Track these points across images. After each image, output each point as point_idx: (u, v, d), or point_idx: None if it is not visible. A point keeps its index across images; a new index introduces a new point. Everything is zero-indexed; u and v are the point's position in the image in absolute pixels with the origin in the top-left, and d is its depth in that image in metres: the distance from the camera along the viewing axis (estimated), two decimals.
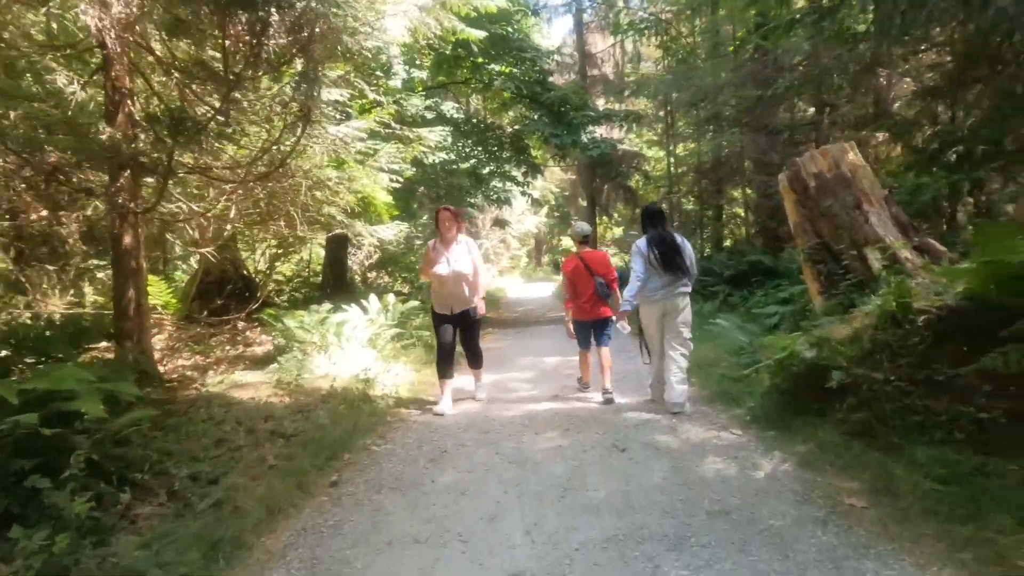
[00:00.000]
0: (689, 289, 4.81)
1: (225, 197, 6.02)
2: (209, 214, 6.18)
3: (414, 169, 9.80)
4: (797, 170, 5.87)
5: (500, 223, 23.95)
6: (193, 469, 3.56)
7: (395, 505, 3.47)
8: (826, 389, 3.84)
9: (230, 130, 5.20)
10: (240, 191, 5.92)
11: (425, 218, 13.54)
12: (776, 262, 9.42)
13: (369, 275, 14.21)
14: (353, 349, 6.67)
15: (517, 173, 13.57)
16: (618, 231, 28.75)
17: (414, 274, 17.20)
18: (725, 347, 6.53)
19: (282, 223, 7.28)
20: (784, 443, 3.99)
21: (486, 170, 12.58)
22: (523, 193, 12.77)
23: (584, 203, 30.17)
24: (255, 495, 3.35)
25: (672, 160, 22.84)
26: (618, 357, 6.63)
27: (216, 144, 5.23)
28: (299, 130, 5.13)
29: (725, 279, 9.75)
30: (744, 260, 9.95)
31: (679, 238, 4.77)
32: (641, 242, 4.76)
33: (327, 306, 7.49)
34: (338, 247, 11.73)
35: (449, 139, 10.18)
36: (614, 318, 5.27)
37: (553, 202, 37.89)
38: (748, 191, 15.73)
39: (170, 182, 5.16)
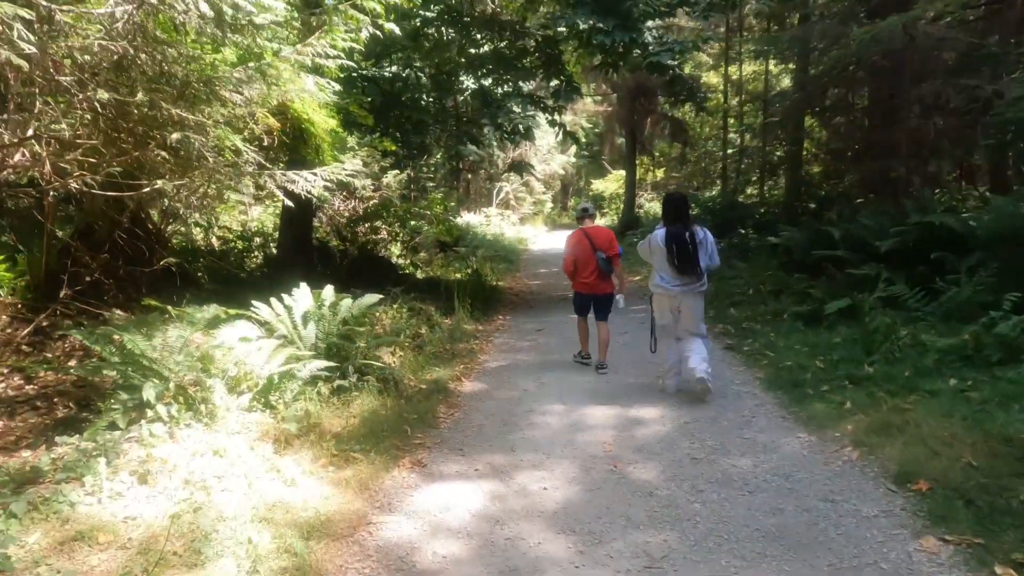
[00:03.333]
0: (706, 287, 4.70)
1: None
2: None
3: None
4: None
5: (518, 167, 20.14)
6: None
7: None
8: None
9: None
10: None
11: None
12: (968, 226, 5.84)
13: (359, 231, 10.83)
14: (229, 417, 3.44)
15: (545, 94, 9.92)
16: (659, 174, 24.82)
17: (421, 224, 13.87)
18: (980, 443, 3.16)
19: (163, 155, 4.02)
20: None
21: (501, 90, 8.97)
22: (552, 123, 9.12)
23: (621, 140, 26.27)
24: None
25: (729, 87, 18.81)
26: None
27: None
28: None
29: (880, 256, 6.15)
30: (911, 224, 6.32)
31: (700, 232, 4.59)
32: (659, 234, 4.61)
33: (212, 309, 4.24)
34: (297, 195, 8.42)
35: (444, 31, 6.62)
36: (615, 293, 5.52)
37: (584, 139, 33.81)
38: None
39: None
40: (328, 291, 5.03)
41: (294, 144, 5.68)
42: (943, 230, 6.01)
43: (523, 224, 30.04)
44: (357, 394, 4.42)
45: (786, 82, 17.66)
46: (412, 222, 12.47)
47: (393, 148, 11.91)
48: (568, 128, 30.83)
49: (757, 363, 5.24)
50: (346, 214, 11.50)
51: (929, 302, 5.47)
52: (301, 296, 4.85)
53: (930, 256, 5.89)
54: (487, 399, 4.91)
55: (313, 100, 5.07)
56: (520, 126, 8.25)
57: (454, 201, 25.26)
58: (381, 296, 5.49)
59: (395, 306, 7.06)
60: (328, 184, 5.00)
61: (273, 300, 4.70)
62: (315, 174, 4.67)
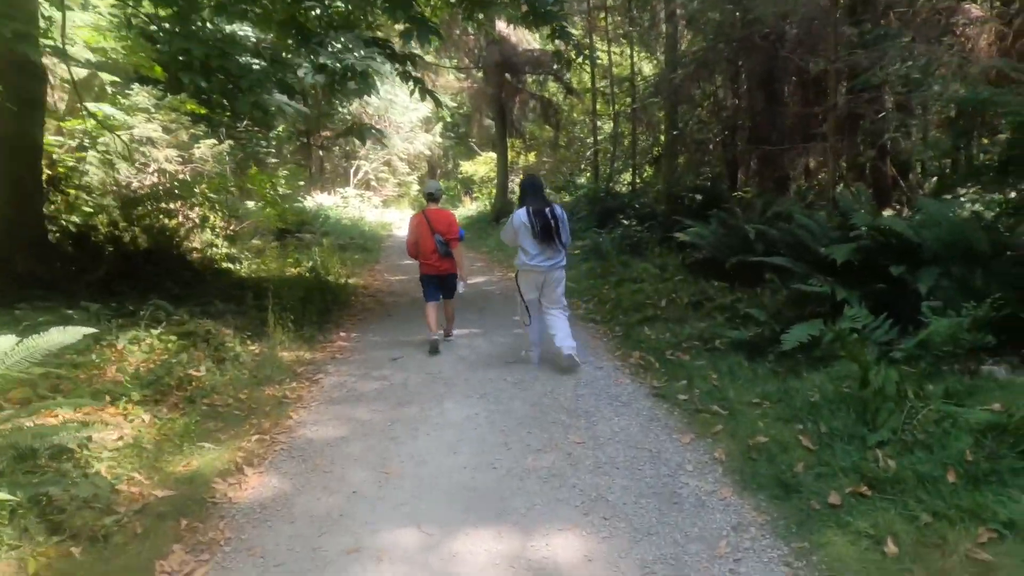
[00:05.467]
0: (565, 262, 4.93)
1: None
2: None
3: None
4: None
5: (360, 132, 17.54)
6: None
7: None
8: None
9: None
10: None
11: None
12: (921, 235, 4.64)
13: (137, 215, 7.89)
14: None
15: (392, 39, 7.70)
16: (531, 158, 23.37)
17: (246, 206, 10.98)
18: None
19: None
20: None
21: (318, 13, 6.62)
22: (405, 76, 6.95)
23: (490, 120, 24.49)
24: None
25: (597, 70, 17.82)
26: None
27: None
28: None
29: (826, 267, 4.78)
30: (869, 228, 4.97)
31: (558, 209, 4.83)
32: (521, 213, 4.77)
33: None
34: (14, 153, 5.58)
35: None
36: (459, 275, 5.55)
37: (449, 119, 31.65)
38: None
39: None
40: None
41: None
42: (892, 238, 4.81)
43: (387, 207, 27.39)
44: None
45: (649, 69, 17.00)
46: (229, 203, 9.74)
47: (201, 111, 9.15)
48: (430, 108, 28.53)
49: (707, 430, 3.60)
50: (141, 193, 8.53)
51: (899, 334, 4.18)
52: None
53: (886, 270, 4.64)
54: (277, 521, 2.80)
55: None
56: (356, 68, 5.97)
57: (303, 179, 22.11)
58: (92, 331, 3.12)
59: (157, 332, 4.64)
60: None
61: None
62: None
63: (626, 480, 3.11)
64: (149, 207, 7.86)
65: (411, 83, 6.80)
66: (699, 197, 10.87)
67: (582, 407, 4.06)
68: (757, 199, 7.78)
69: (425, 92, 6.92)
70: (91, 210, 7.44)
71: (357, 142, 26.62)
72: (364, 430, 3.78)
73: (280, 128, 18.12)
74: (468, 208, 25.05)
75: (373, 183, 28.58)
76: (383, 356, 5.42)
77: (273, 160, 18.09)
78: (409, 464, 3.33)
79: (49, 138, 6.99)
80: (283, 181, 17.86)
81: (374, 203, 25.67)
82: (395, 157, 29.59)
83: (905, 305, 4.55)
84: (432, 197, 5.75)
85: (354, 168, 27.27)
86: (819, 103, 8.77)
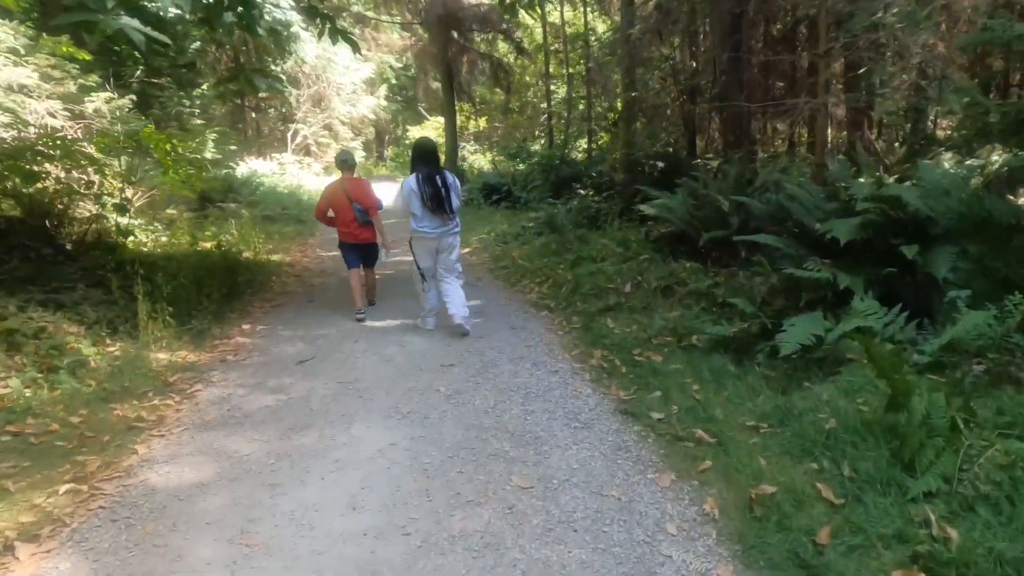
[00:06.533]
0: (459, 229, 4.92)
1: None
2: None
3: None
4: None
5: (247, 77, 16.01)
6: None
7: None
8: None
9: None
10: None
11: None
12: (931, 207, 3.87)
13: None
14: None
15: None
16: (483, 123, 22.11)
17: (127, 161, 9.37)
18: None
19: None
20: None
21: None
22: (311, 12, 5.73)
23: (437, 83, 23.02)
24: None
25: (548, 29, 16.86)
26: None
27: None
28: None
29: (823, 247, 3.95)
30: (874, 199, 4.14)
31: (450, 177, 4.80)
32: (411, 180, 4.73)
33: None
34: None
35: None
36: (379, 244, 5.54)
37: (395, 80, 29.94)
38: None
39: None
40: None
41: None
42: (899, 211, 4.03)
43: (328, 174, 25.69)
44: None
45: (603, 27, 16.00)
46: (127, 167, 8.32)
47: (82, 55, 7.69)
48: (373, 69, 26.73)
49: (692, 467, 2.74)
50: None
51: (915, 330, 3.42)
52: None
53: (894, 250, 3.86)
54: None
55: None
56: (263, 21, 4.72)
57: (234, 144, 20.35)
58: None
59: None
60: None
61: None
62: None
63: (587, 551, 2.23)
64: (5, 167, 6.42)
65: (319, 21, 5.60)
66: (660, 164, 10.03)
67: (531, 429, 3.16)
68: (727, 166, 6.94)
69: (338, 34, 5.74)
70: None
71: (293, 104, 24.81)
72: (235, 471, 2.77)
73: (205, 86, 16.41)
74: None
75: (313, 148, 26.79)
76: (290, 357, 4.39)
77: (199, 122, 16.36)
78: (286, 529, 2.36)
79: None
80: (211, 144, 16.22)
81: (314, 170, 24.01)
82: (336, 121, 27.78)
83: (917, 293, 3.82)
84: (346, 164, 5.61)
85: (291, 132, 25.40)
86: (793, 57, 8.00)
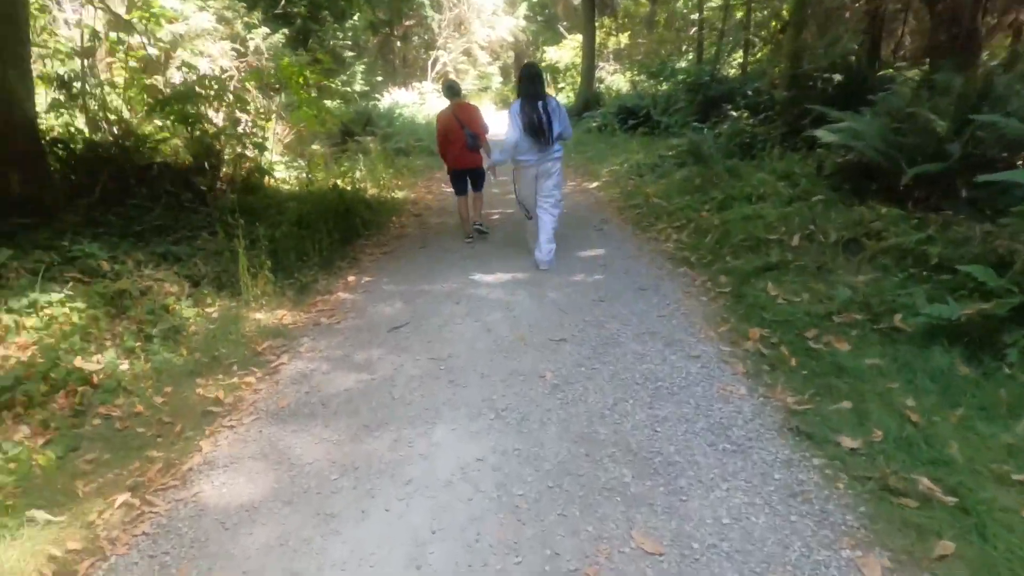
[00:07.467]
0: (561, 154, 4.82)
1: None
2: None
3: None
4: None
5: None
6: None
7: None
8: None
9: None
10: None
11: None
12: None
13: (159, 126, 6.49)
14: None
15: None
16: (624, 39, 20.15)
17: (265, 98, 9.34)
18: None
19: None
20: None
21: None
22: None
23: (577, 1, 21.25)
24: None
25: None
26: None
27: None
28: None
29: None
30: None
31: (553, 102, 4.67)
32: (516, 105, 4.66)
33: None
34: None
35: None
36: (485, 166, 5.57)
37: None
38: None
39: None
40: None
41: None
42: None
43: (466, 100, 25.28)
44: None
45: None
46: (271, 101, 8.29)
47: None
48: None
49: (918, 546, 1.76)
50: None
51: None
52: None
53: None
54: None
55: None
56: None
57: (380, 75, 20.47)
58: None
59: (60, 296, 3.28)
60: None
61: None
62: None
63: None
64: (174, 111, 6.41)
65: None
66: (837, 78, 8.15)
67: (661, 448, 2.38)
68: (943, 76, 5.23)
69: None
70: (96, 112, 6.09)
71: (435, 29, 24.38)
72: (291, 491, 2.29)
73: (355, 17, 16.31)
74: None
75: (452, 76, 26.40)
76: (385, 320, 3.90)
77: (350, 54, 16.41)
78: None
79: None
80: (359, 76, 16.28)
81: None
82: (475, 45, 27.05)
83: None
84: (452, 91, 5.68)
85: (432, 59, 25.07)
86: None
